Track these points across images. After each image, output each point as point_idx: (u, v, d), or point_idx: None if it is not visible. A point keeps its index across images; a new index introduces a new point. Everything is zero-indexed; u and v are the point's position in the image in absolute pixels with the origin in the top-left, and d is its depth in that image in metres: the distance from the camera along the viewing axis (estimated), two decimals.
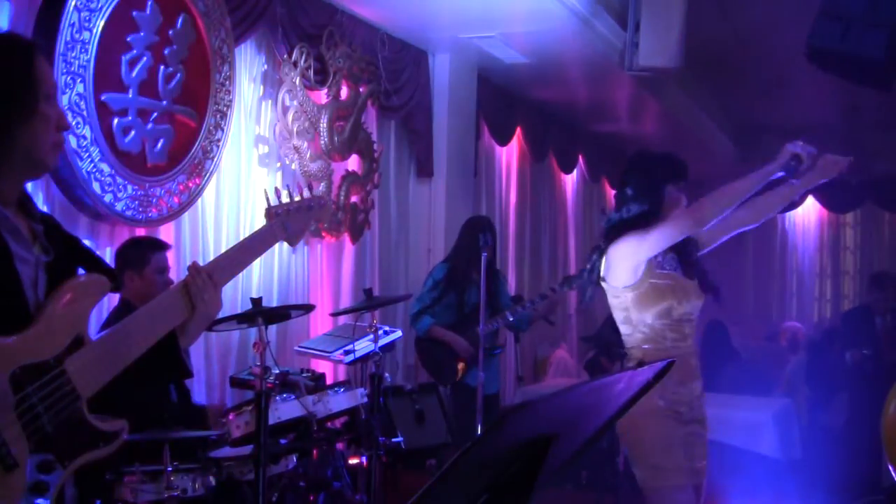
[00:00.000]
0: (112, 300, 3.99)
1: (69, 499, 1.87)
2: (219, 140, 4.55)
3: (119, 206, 3.97)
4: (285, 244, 2.55)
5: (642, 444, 3.07)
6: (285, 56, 5.09)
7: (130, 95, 4.03)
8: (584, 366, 7.67)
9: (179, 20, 4.26)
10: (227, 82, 4.58)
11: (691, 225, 3.02)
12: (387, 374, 4.30)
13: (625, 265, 3.09)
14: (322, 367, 4.93)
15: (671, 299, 3.07)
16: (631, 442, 3.11)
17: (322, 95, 5.44)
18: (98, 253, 3.49)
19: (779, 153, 3.03)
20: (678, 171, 3.13)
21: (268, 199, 2.28)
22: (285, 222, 2.24)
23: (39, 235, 1.85)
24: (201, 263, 2.11)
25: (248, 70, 5.00)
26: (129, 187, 4.03)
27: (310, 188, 2.41)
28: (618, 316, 3.17)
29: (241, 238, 2.31)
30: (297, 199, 2.30)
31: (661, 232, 3.02)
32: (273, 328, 3.50)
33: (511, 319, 5.17)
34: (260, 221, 2.71)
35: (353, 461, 4.20)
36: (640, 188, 3.09)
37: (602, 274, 3.17)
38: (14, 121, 1.76)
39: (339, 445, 4.27)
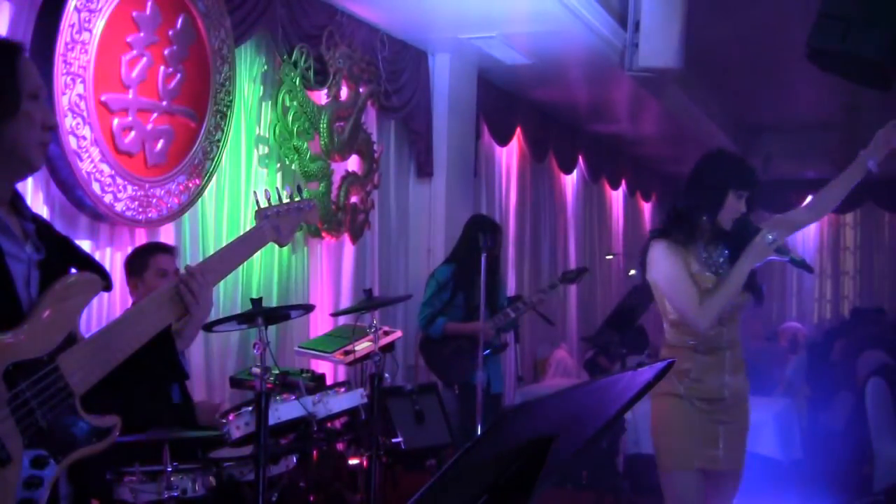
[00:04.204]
0: (109, 301, 4.00)
1: (64, 497, 1.88)
2: (219, 140, 4.55)
3: (119, 207, 3.97)
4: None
5: (655, 424, 3.17)
6: (285, 56, 5.09)
7: (130, 96, 4.03)
8: (584, 365, 7.67)
9: (179, 21, 4.26)
10: (227, 82, 4.58)
11: (686, 320, 3.09)
12: (387, 374, 4.30)
13: (655, 266, 3.15)
14: (322, 367, 4.94)
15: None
16: (651, 423, 3.20)
17: (322, 96, 5.45)
18: (91, 253, 3.50)
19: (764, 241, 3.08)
20: (744, 180, 3.13)
21: (257, 201, 2.29)
22: (275, 224, 2.26)
23: (31, 234, 1.87)
24: None
25: (248, 70, 5.00)
26: (129, 188, 4.03)
27: (299, 190, 2.41)
28: (658, 304, 3.22)
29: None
30: (286, 200, 2.32)
31: (675, 290, 3.09)
32: (273, 328, 3.50)
33: (513, 316, 5.18)
34: None
35: (353, 461, 4.20)
36: (706, 185, 3.13)
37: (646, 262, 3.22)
38: None
39: (339, 445, 4.27)
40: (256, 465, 3.10)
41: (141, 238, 4.18)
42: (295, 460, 3.66)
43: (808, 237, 13.41)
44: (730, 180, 3.10)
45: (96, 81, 3.82)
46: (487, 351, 4.82)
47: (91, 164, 3.81)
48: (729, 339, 3.15)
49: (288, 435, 3.67)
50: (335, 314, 5.02)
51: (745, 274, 3.05)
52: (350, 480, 4.35)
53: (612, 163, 10.66)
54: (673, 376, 3.08)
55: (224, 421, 3.44)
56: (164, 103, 4.21)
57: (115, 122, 3.95)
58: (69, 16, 3.67)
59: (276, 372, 3.33)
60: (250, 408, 3.36)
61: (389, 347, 4.71)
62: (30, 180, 3.59)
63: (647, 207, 12.57)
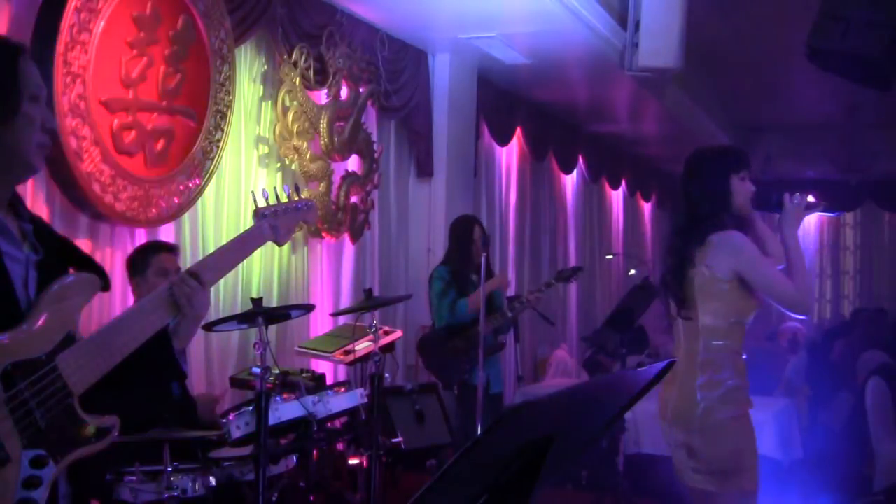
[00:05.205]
0: (109, 301, 4.00)
1: (63, 496, 1.88)
2: (219, 140, 4.55)
3: (119, 207, 3.97)
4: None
5: (745, 446, 2.99)
6: (285, 56, 5.09)
7: (130, 96, 4.03)
8: (584, 364, 7.66)
9: (179, 21, 4.26)
10: (227, 82, 4.58)
11: (789, 306, 2.98)
12: (387, 374, 4.30)
13: (736, 256, 2.97)
14: (322, 367, 4.94)
15: (758, 300, 3.03)
16: (732, 444, 2.98)
17: (322, 95, 5.45)
18: (91, 253, 3.50)
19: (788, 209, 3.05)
20: (739, 161, 3.09)
21: (255, 201, 2.29)
22: (273, 223, 2.26)
23: (29, 234, 1.87)
24: None
25: (248, 70, 5.00)
26: (129, 188, 4.03)
27: (297, 189, 2.41)
28: (711, 306, 3.01)
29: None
30: (284, 200, 2.32)
31: (771, 278, 2.95)
32: (273, 328, 3.50)
33: (511, 316, 5.18)
34: None
35: (353, 461, 4.20)
36: (708, 184, 3.06)
37: (700, 260, 3.00)
38: None
39: (339, 446, 4.27)
40: (256, 465, 3.10)
41: (141, 238, 4.18)
42: (295, 460, 3.66)
43: (808, 237, 13.41)
44: (726, 166, 3.07)
45: (96, 82, 3.82)
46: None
47: (91, 164, 3.81)
48: None
49: (288, 435, 3.67)
50: (335, 314, 5.01)
51: (797, 241, 3.01)
52: (350, 480, 4.35)
53: (612, 163, 10.66)
54: (740, 392, 2.97)
55: (224, 421, 3.44)
56: (164, 103, 4.21)
57: (115, 122, 3.95)
58: (69, 16, 3.66)
59: (276, 372, 3.33)
60: (250, 408, 3.36)
61: (389, 347, 4.72)
62: (30, 180, 3.59)
63: (647, 207, 12.57)
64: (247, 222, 4.86)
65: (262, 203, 2.29)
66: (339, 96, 5.55)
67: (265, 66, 5.14)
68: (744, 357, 3.05)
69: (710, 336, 3.02)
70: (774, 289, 2.95)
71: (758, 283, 2.96)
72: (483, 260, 4.62)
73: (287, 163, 5.19)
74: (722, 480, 2.98)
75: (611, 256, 10.67)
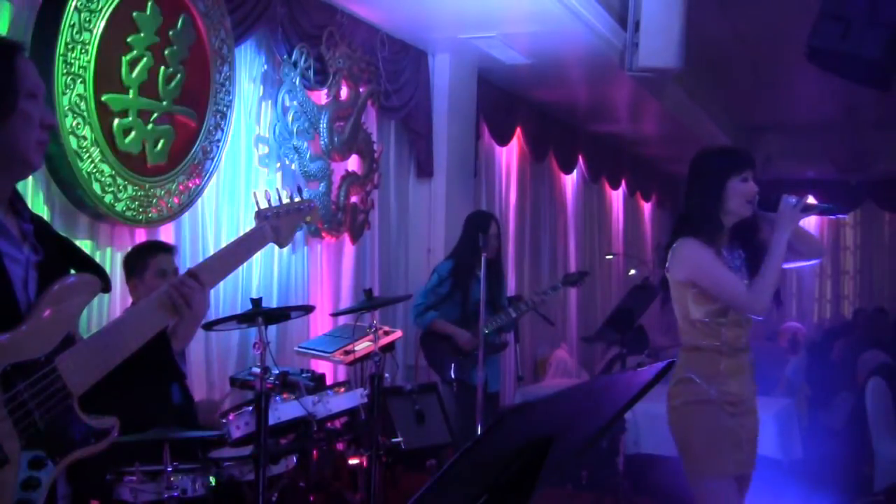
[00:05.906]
0: (109, 301, 4.00)
1: (62, 497, 1.88)
2: (219, 140, 4.56)
3: (119, 207, 3.97)
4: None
5: (689, 433, 3.09)
6: (285, 56, 5.09)
7: (131, 96, 4.03)
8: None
9: (179, 21, 4.26)
10: (227, 82, 4.58)
11: (740, 307, 3.06)
12: (387, 374, 4.30)
13: (687, 263, 3.09)
14: (322, 367, 4.94)
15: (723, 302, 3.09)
16: (679, 432, 3.13)
17: (322, 95, 5.45)
18: (91, 254, 3.50)
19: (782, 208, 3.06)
20: (739, 162, 3.11)
21: (257, 202, 2.30)
22: (275, 224, 2.26)
23: (29, 235, 1.87)
24: None
25: (248, 70, 5.00)
26: (130, 188, 4.03)
27: (299, 190, 2.42)
28: (676, 309, 3.17)
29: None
30: (286, 201, 2.32)
31: (719, 281, 3.04)
32: (273, 328, 3.50)
33: (514, 316, 5.18)
34: None
35: (353, 461, 4.20)
36: (704, 185, 3.11)
37: (666, 266, 3.17)
38: None
39: (339, 445, 4.27)
40: (256, 465, 3.10)
41: (141, 238, 4.18)
42: (295, 460, 3.66)
43: None
44: (725, 167, 3.09)
45: (97, 81, 3.82)
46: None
47: (91, 164, 3.81)
48: (746, 342, 3.15)
49: (288, 435, 3.67)
50: (335, 314, 5.02)
51: (784, 245, 3.02)
52: (350, 480, 4.35)
53: (612, 163, 10.66)
54: (701, 382, 3.05)
55: (224, 421, 3.45)
56: (165, 103, 4.21)
57: (116, 122, 3.95)
58: (69, 16, 3.66)
59: (276, 372, 3.33)
60: (250, 408, 3.37)
61: (389, 347, 4.72)
62: (30, 180, 3.60)
63: (647, 207, 12.57)
64: (247, 222, 4.86)
65: (263, 204, 2.30)
66: (339, 96, 5.55)
67: (265, 66, 5.13)
68: (716, 353, 3.08)
69: (687, 334, 3.15)
70: (725, 293, 3.05)
71: (709, 289, 3.07)
72: (483, 260, 4.61)
73: (287, 163, 5.19)
74: (685, 466, 3.10)
75: (611, 256, 10.66)
